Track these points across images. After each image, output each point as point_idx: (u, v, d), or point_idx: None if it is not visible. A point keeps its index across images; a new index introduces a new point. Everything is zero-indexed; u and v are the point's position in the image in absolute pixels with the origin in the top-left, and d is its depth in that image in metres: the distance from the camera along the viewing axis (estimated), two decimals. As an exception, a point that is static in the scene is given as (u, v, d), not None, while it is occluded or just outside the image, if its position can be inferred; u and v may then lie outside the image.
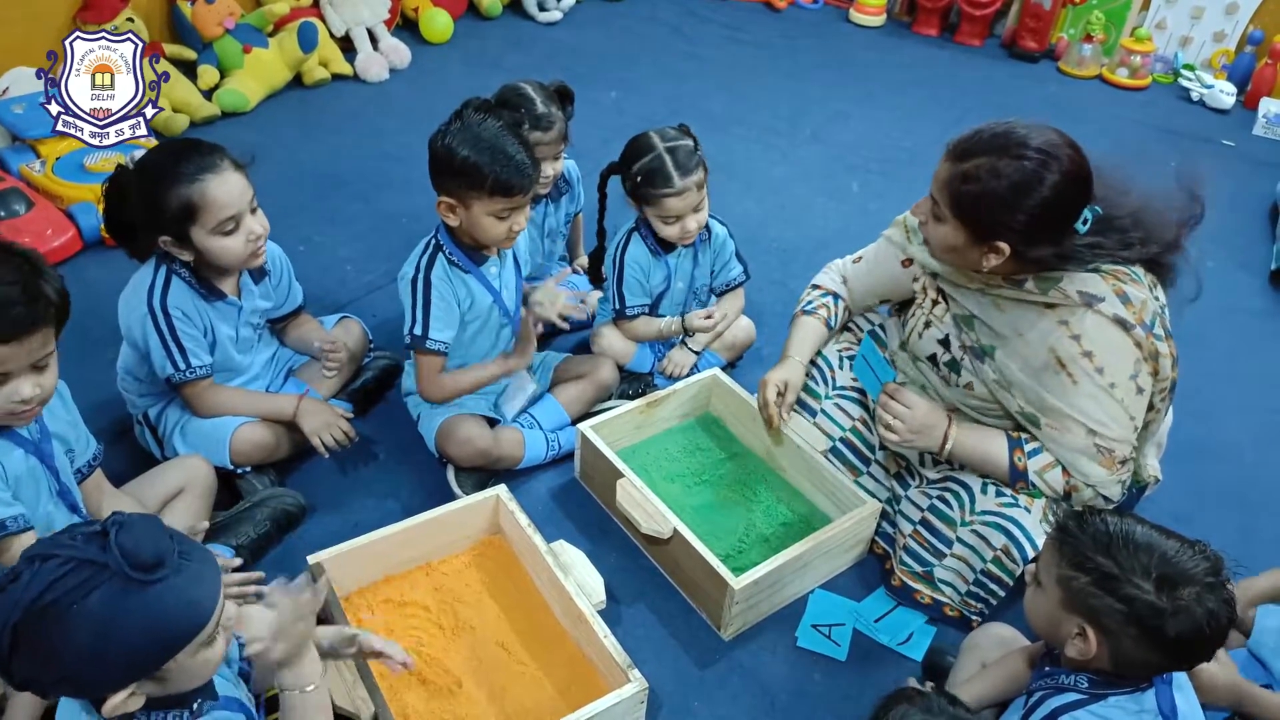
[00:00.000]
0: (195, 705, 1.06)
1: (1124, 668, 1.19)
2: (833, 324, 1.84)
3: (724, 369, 2.11)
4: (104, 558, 0.93)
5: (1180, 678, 1.23)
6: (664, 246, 2.03)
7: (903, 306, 1.79)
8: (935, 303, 1.66)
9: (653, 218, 1.96)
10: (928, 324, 1.68)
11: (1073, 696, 1.21)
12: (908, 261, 1.71)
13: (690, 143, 1.92)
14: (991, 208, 1.39)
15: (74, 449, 1.46)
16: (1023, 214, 1.38)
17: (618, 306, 2.07)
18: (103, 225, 1.72)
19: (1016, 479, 1.57)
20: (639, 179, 1.91)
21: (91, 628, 0.92)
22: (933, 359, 1.68)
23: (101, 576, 0.93)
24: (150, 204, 1.57)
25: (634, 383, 2.10)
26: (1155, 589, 1.13)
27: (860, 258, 1.85)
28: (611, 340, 2.08)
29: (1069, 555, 1.20)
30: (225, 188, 1.58)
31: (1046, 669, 1.29)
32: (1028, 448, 1.56)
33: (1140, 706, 1.19)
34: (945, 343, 1.65)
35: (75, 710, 1.03)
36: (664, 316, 2.10)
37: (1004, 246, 1.42)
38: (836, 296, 1.86)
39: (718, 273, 2.14)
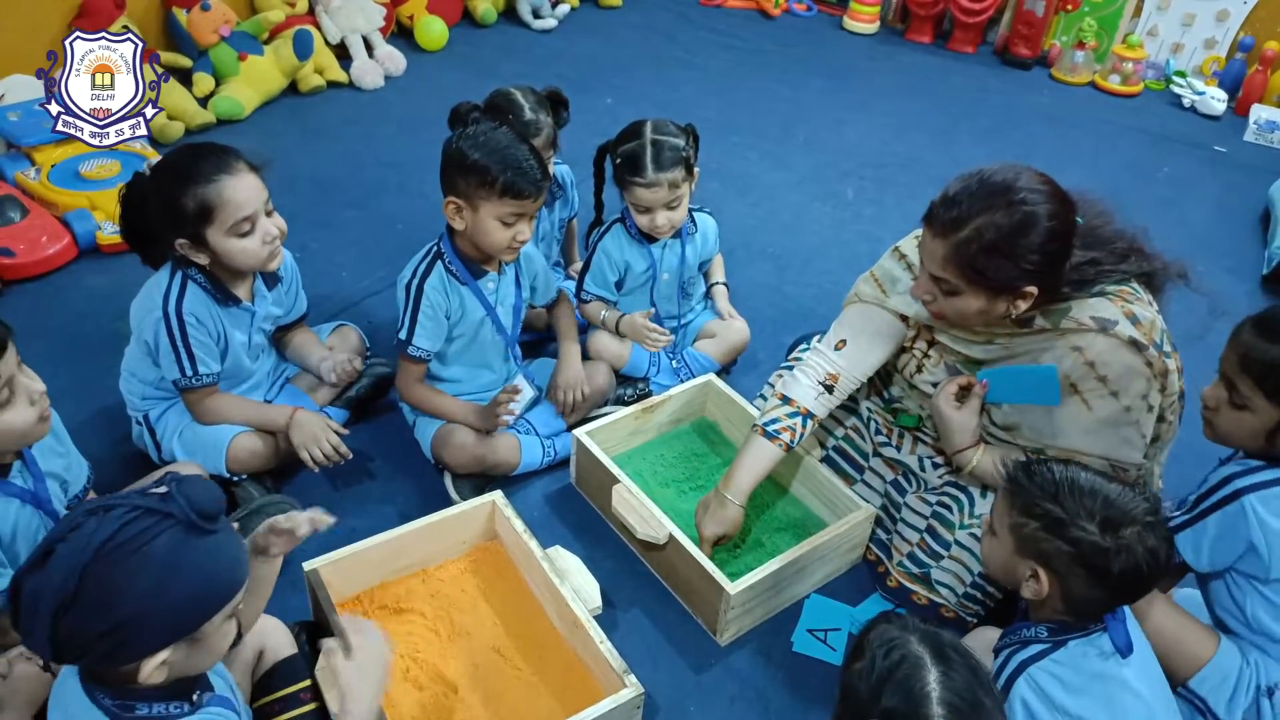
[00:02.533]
0: (195, 696, 1.08)
1: (1075, 605, 1.25)
2: (794, 446, 1.66)
3: (719, 374, 2.11)
4: (168, 507, 0.97)
5: (1126, 611, 1.28)
6: (647, 235, 2.04)
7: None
8: (931, 343, 1.65)
9: (629, 204, 1.98)
10: (919, 368, 1.68)
11: (1035, 649, 1.27)
12: (904, 317, 1.66)
13: (680, 141, 1.92)
14: (1005, 260, 1.38)
15: (67, 480, 1.44)
16: (1035, 253, 1.37)
17: (577, 285, 2.11)
18: (119, 232, 1.72)
19: None
20: (619, 161, 1.93)
21: (157, 571, 0.95)
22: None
23: (166, 523, 0.97)
24: (167, 205, 1.58)
25: (630, 387, 2.10)
26: (1100, 530, 1.20)
27: (843, 342, 1.67)
28: (607, 344, 2.09)
29: (1019, 504, 1.26)
30: (241, 188, 1.59)
31: (1008, 627, 1.34)
32: None
33: (1098, 649, 1.24)
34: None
35: (69, 698, 1.03)
36: (622, 312, 2.12)
37: (1031, 290, 1.41)
38: (808, 417, 1.65)
39: (707, 257, 2.17)
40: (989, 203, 1.38)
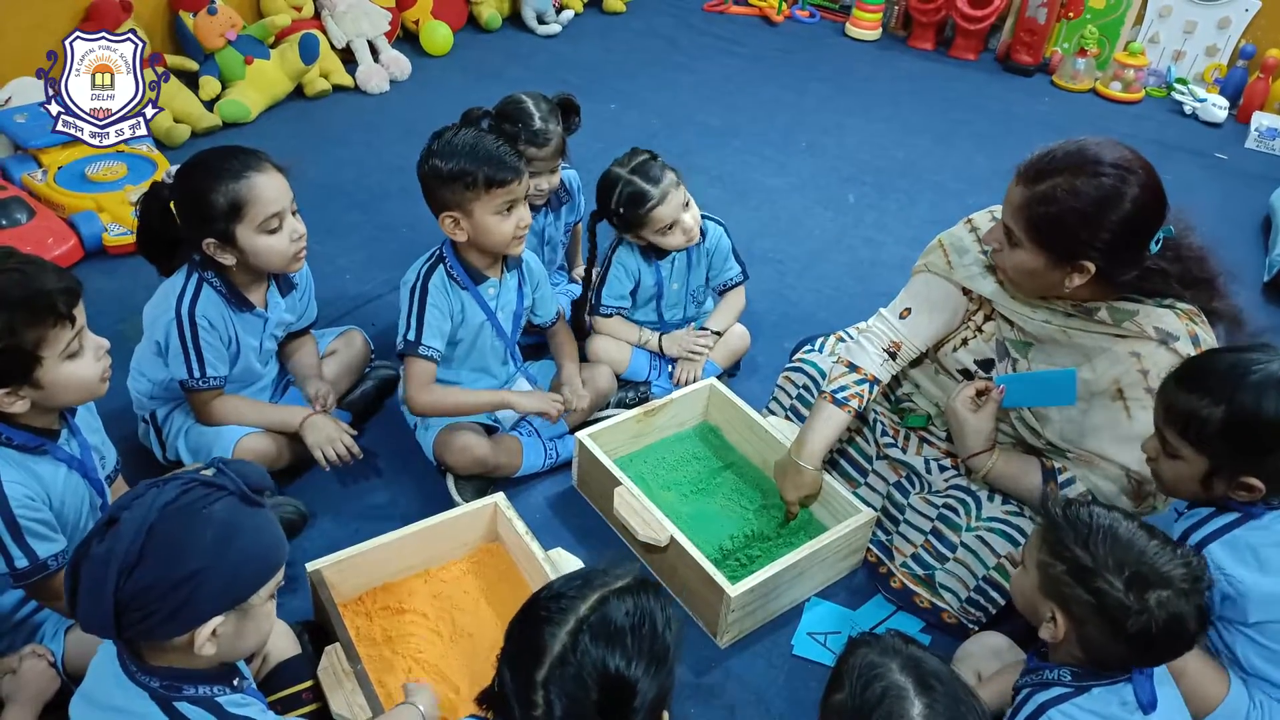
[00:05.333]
0: (235, 681, 1.11)
1: (1091, 655, 1.21)
2: (860, 411, 1.70)
3: (721, 377, 2.12)
4: (220, 480, 1.04)
5: (1160, 670, 1.25)
6: (655, 253, 2.05)
7: None
8: (988, 318, 1.65)
9: (655, 237, 1.98)
10: (964, 341, 1.68)
11: (1058, 691, 1.24)
12: (966, 290, 1.66)
13: (647, 154, 1.96)
14: (1072, 227, 1.37)
15: (105, 456, 1.48)
16: (1106, 231, 1.36)
17: (594, 301, 2.10)
18: (131, 236, 1.74)
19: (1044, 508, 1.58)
20: (622, 210, 1.94)
21: (218, 529, 1.01)
22: (965, 373, 1.68)
23: (221, 494, 1.03)
24: (196, 204, 1.59)
25: (632, 390, 2.11)
26: (1125, 587, 1.14)
27: (908, 310, 1.69)
28: (608, 348, 2.10)
29: (1050, 542, 1.23)
30: (270, 185, 1.62)
31: (1031, 664, 1.31)
32: (1061, 479, 1.56)
33: (1121, 699, 1.21)
34: (984, 365, 1.65)
35: (108, 683, 1.05)
36: (645, 326, 2.13)
37: (1089, 265, 1.39)
38: (875, 383, 1.69)
39: (716, 274, 2.16)
40: (1078, 166, 1.36)
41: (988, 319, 1.66)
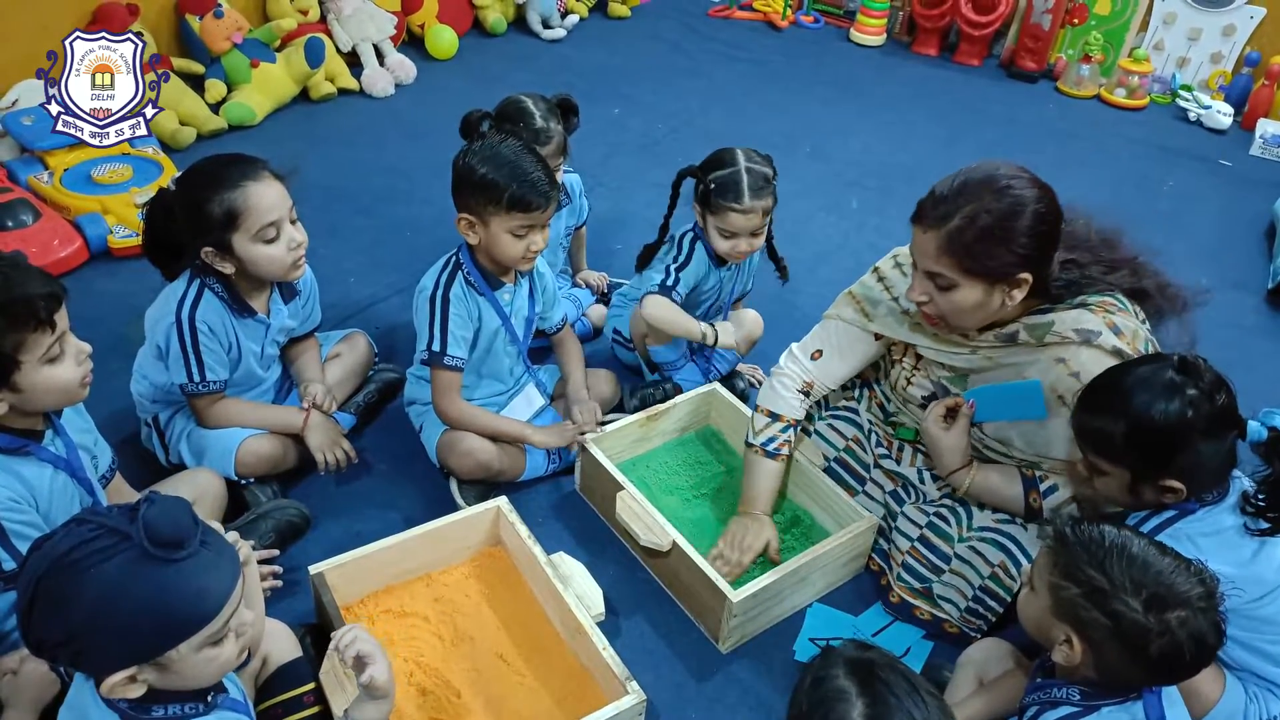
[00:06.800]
0: (209, 697, 1.08)
1: (1107, 677, 1.20)
2: (790, 455, 1.78)
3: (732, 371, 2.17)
4: (129, 529, 0.96)
5: (1170, 690, 1.23)
6: (716, 260, 2.06)
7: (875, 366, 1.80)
8: (918, 358, 1.67)
9: (712, 228, 1.97)
10: (909, 381, 1.69)
11: (1066, 710, 1.22)
12: (879, 335, 1.69)
13: (769, 171, 1.94)
14: (998, 245, 1.40)
15: (97, 456, 1.48)
16: (1025, 236, 1.40)
17: (668, 281, 2.01)
18: (141, 248, 1.74)
19: (1031, 517, 1.59)
20: (712, 185, 1.93)
21: (100, 592, 0.94)
22: (926, 402, 1.69)
23: (123, 546, 0.95)
24: (194, 212, 1.60)
25: (657, 388, 2.08)
26: (1143, 608, 1.13)
27: (818, 352, 1.75)
28: (657, 309, 2.00)
29: (1062, 564, 1.21)
30: (267, 194, 1.62)
31: (1039, 681, 1.30)
32: (1043, 487, 1.57)
33: (1131, 716, 1.19)
34: (932, 398, 1.67)
35: (86, 699, 1.04)
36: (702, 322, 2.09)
37: (1025, 276, 1.43)
38: (798, 426, 1.77)
39: (742, 287, 2.21)
40: (976, 192, 1.41)
41: (920, 358, 1.67)
